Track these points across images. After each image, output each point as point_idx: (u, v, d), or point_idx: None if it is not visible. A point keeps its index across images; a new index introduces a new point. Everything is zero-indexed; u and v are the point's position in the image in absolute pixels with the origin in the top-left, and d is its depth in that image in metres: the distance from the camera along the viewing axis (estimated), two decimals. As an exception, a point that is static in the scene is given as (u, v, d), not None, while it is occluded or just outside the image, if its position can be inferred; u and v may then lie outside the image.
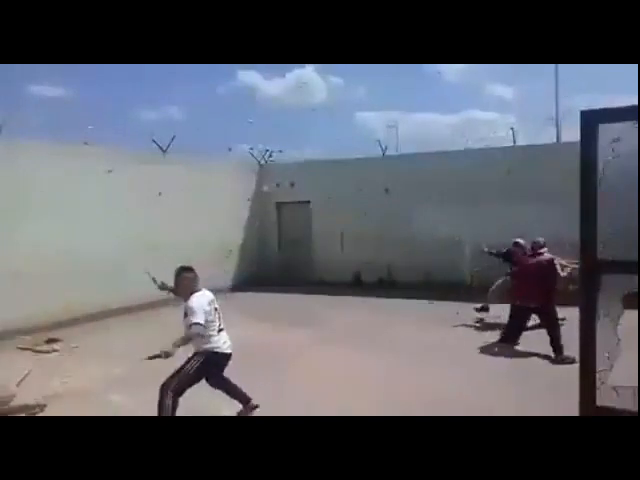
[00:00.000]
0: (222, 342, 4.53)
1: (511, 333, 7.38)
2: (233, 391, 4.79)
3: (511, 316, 7.44)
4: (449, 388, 5.68)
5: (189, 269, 4.59)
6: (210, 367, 4.49)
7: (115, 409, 5.06)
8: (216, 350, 4.48)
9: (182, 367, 4.40)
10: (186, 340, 4.29)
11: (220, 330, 4.55)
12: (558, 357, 6.66)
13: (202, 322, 4.27)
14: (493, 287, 8.87)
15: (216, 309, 4.55)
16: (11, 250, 8.46)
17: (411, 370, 6.34)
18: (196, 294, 4.45)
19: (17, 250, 8.52)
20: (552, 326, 6.94)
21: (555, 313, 7.02)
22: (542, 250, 7.31)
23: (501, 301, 8.35)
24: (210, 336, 4.43)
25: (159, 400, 4.25)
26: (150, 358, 4.43)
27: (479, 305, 9.26)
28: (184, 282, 4.54)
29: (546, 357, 6.77)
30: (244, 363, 6.76)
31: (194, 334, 4.26)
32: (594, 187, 2.46)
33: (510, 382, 5.78)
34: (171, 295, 5.07)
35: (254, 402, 4.84)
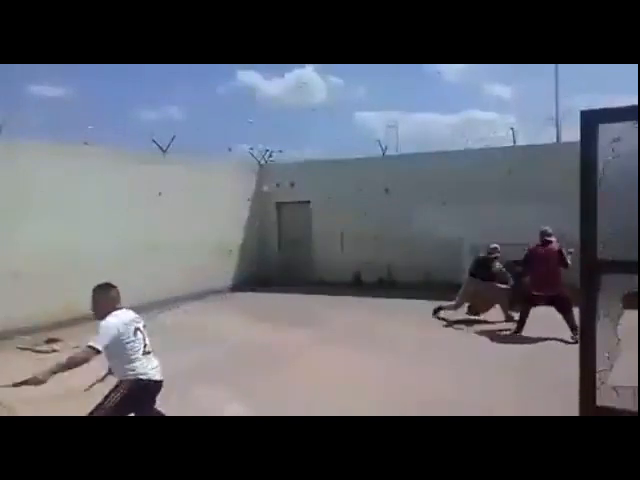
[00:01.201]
0: (149, 367, 3.89)
1: (523, 323, 7.80)
2: None
3: (526, 306, 7.78)
4: (449, 388, 5.68)
5: (108, 286, 4.05)
6: (135, 398, 3.83)
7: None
8: (141, 377, 3.83)
9: (102, 401, 3.77)
10: (65, 367, 3.60)
11: (146, 353, 3.92)
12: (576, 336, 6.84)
13: (100, 347, 3.66)
14: (461, 291, 9.09)
15: (138, 329, 3.92)
16: (11, 250, 8.47)
17: (411, 370, 6.34)
18: (113, 313, 3.87)
19: (17, 250, 8.53)
20: (569, 311, 7.26)
21: (569, 297, 7.26)
22: (550, 239, 7.68)
23: (469, 301, 8.99)
24: (131, 361, 3.82)
25: None
26: (15, 385, 3.69)
27: (436, 307, 9.30)
28: (100, 301, 3.98)
29: (549, 348, 6.81)
30: (244, 363, 6.78)
31: (77, 359, 3.63)
32: (594, 187, 2.46)
33: (515, 379, 5.78)
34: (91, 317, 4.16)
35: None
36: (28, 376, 3.65)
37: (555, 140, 14.22)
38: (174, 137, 11.69)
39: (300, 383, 5.97)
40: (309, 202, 13.73)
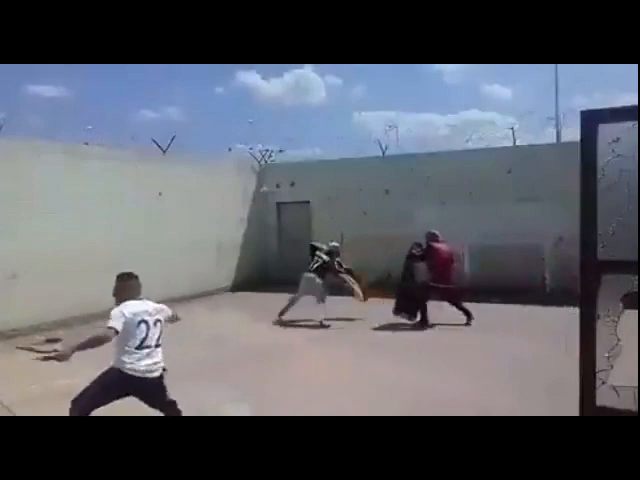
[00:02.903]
0: (141, 363, 3.88)
1: (417, 310, 8.68)
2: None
3: (421, 296, 8.61)
4: (451, 388, 5.68)
5: (127, 275, 4.18)
6: (116, 388, 3.88)
7: (115, 409, 5.05)
8: (126, 370, 3.85)
9: (93, 381, 3.94)
10: (87, 344, 3.77)
11: (143, 347, 3.92)
12: (471, 320, 8.54)
13: (117, 328, 3.80)
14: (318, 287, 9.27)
15: (145, 322, 3.94)
16: (11, 250, 8.46)
17: (410, 369, 6.34)
18: (127, 302, 3.99)
19: (17, 250, 8.52)
20: (458, 299, 8.70)
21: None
22: (440, 239, 8.78)
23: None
24: (124, 352, 3.88)
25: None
26: (45, 359, 3.88)
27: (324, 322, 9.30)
28: (118, 289, 4.14)
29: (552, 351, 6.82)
30: (243, 363, 6.79)
31: (98, 337, 3.80)
32: (594, 187, 2.46)
33: (515, 378, 5.79)
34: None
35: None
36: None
37: (555, 140, 14.21)
38: (174, 137, 11.71)
39: (299, 383, 5.97)
40: (309, 202, 13.72)
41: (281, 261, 13.98)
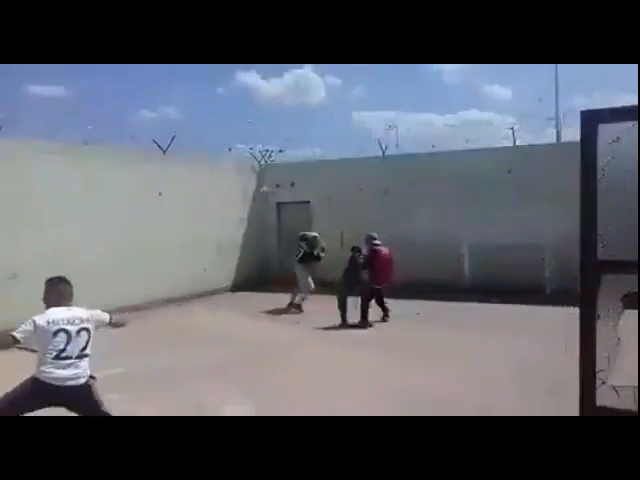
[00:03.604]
0: (57, 373, 3.64)
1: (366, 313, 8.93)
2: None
3: (367, 298, 8.89)
4: (450, 387, 5.68)
5: (57, 280, 3.98)
6: (32, 396, 3.67)
7: (114, 408, 5.05)
8: (41, 378, 3.64)
9: (15, 387, 3.76)
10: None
11: (61, 358, 3.67)
12: (387, 316, 9.06)
13: (17, 337, 3.64)
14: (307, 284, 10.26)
15: (64, 331, 3.69)
16: (11, 250, 8.46)
17: (410, 369, 6.34)
18: (50, 309, 3.81)
19: (17, 250, 8.52)
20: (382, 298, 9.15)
21: None
22: (378, 242, 9.14)
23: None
24: (41, 361, 3.66)
25: None
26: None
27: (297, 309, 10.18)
28: (46, 293, 3.96)
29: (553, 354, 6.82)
30: (244, 363, 6.79)
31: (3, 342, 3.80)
32: (594, 187, 2.46)
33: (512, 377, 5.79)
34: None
35: None
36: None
37: (555, 140, 14.21)
38: (174, 137, 11.69)
39: (298, 383, 5.98)
40: (309, 202, 13.72)
41: (281, 261, 13.96)
